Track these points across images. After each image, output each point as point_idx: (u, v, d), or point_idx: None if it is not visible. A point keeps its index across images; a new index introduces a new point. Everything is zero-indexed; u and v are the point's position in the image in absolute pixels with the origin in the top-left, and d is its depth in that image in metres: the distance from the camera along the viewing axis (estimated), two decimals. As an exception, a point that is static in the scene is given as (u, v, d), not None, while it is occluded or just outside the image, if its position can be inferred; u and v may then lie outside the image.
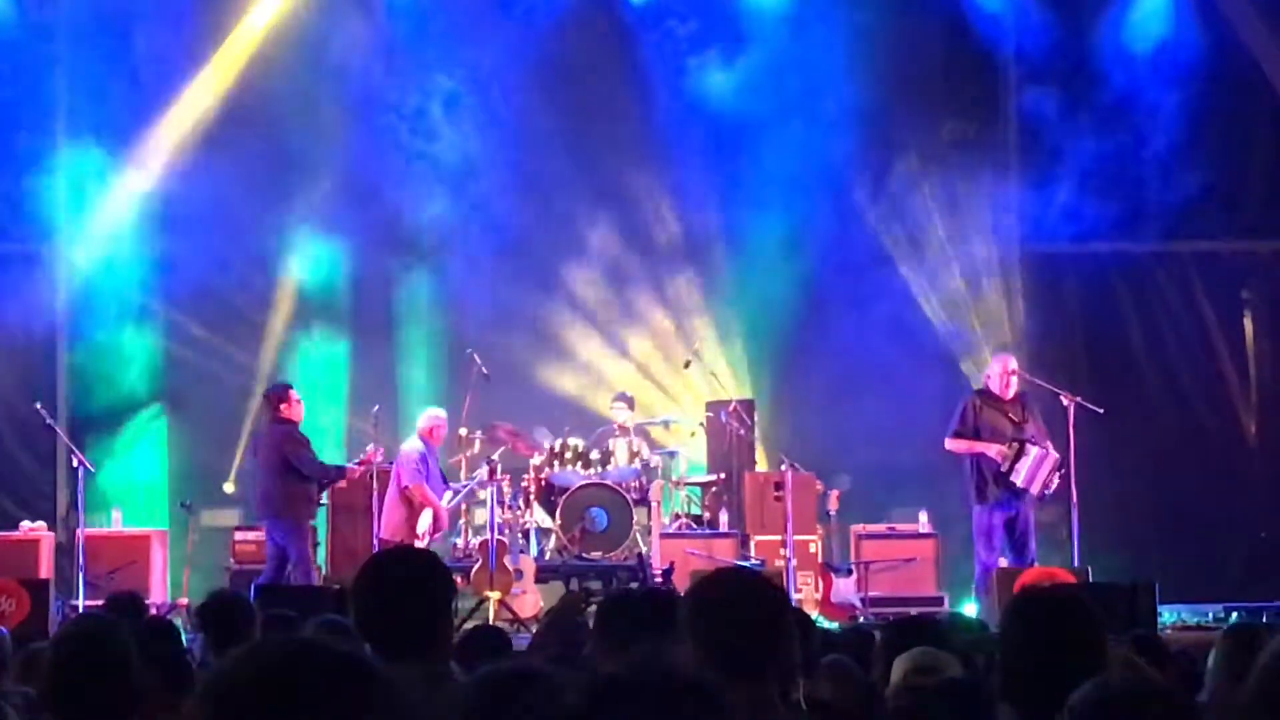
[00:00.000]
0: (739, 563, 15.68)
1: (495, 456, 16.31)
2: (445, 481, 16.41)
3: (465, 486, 16.52)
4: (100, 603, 12.41)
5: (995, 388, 15.30)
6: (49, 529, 16.89)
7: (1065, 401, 15.47)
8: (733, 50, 18.74)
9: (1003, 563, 15.19)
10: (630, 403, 17.60)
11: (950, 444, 15.32)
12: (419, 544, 15.55)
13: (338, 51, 18.23)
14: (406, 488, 15.93)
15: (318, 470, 15.38)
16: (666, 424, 17.76)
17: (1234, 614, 15.86)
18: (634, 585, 15.36)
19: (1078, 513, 15.45)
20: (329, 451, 16.63)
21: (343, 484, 15.90)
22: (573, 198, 18.59)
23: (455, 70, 18.50)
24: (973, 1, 18.71)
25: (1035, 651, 5.12)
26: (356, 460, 15.81)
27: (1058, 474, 15.12)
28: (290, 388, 15.63)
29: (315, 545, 15.74)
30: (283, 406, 15.41)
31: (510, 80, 18.47)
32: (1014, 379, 15.32)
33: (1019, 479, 14.94)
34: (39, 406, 16.67)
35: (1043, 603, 5.38)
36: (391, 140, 18.53)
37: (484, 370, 17.03)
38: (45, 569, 16.25)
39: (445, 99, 18.53)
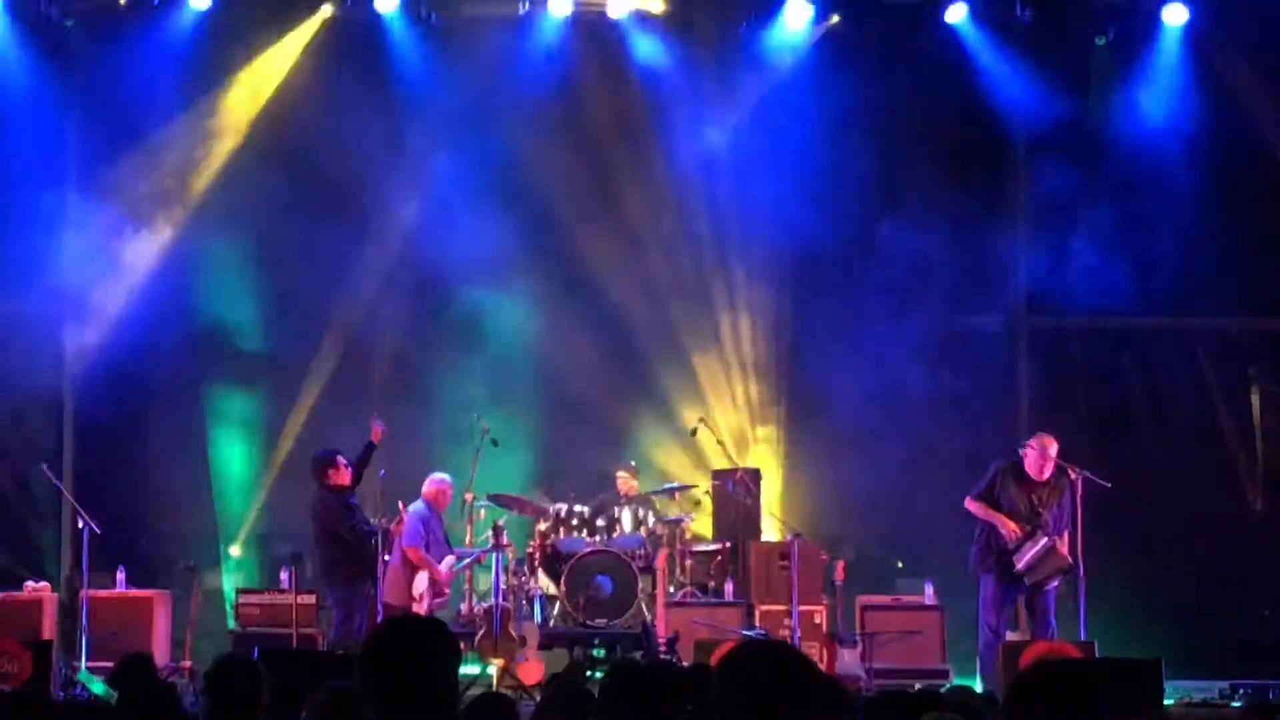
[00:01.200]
0: (759, 633, 15.67)
1: (501, 522, 16.28)
2: (449, 547, 16.40)
3: (471, 554, 16.50)
4: (109, 664, 12.40)
5: (1030, 467, 15.11)
6: (52, 590, 16.87)
7: (1072, 475, 15.38)
8: (742, 116, 18.83)
9: (1013, 637, 15.13)
10: (635, 471, 17.61)
11: (970, 504, 15.22)
12: (415, 607, 15.59)
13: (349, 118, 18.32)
14: (405, 548, 15.96)
15: (358, 538, 15.60)
16: (672, 492, 17.71)
17: (1240, 690, 15.78)
18: (638, 654, 15.29)
19: (1084, 586, 15.39)
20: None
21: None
22: (585, 252, 18.65)
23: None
24: (986, 74, 18.76)
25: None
26: (395, 521, 15.83)
27: (1062, 577, 15.01)
28: (337, 454, 15.80)
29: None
30: (330, 473, 15.73)
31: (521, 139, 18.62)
32: (1050, 464, 15.12)
33: (1020, 562, 14.88)
34: (45, 467, 16.72)
35: (1046, 683, 5.31)
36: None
37: (491, 436, 17.01)
38: (48, 629, 16.23)
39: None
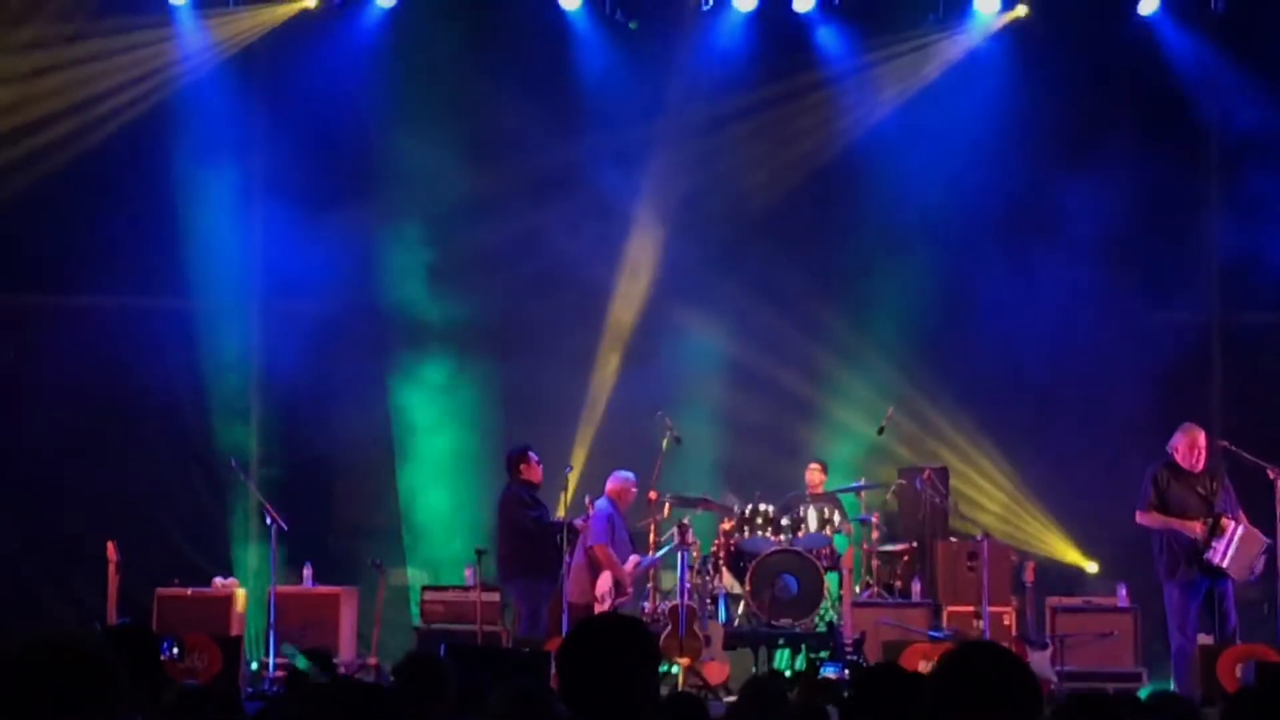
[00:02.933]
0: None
1: (687, 520, 16.19)
2: (633, 546, 16.34)
3: (656, 556, 16.43)
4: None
5: (1183, 461, 14.82)
6: (240, 585, 17.02)
7: (1271, 475, 15.04)
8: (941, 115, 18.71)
9: (1202, 639, 14.79)
10: (824, 467, 17.46)
11: (1142, 518, 14.90)
12: (598, 606, 15.55)
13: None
14: (590, 547, 15.93)
15: (542, 530, 15.68)
16: (859, 490, 17.51)
17: None
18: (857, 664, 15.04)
19: (1280, 590, 15.05)
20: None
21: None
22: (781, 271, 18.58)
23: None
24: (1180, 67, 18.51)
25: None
26: (581, 517, 15.86)
27: (1263, 556, 14.65)
28: (529, 449, 16.04)
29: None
30: (522, 467, 15.98)
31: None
32: (1201, 453, 14.82)
33: (1218, 558, 14.51)
34: (234, 463, 16.89)
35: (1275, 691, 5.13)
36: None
37: (676, 434, 16.94)
38: (237, 625, 16.38)
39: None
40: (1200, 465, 14.78)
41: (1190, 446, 14.76)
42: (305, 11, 18.56)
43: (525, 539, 15.73)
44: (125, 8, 18.16)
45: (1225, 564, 14.48)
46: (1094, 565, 18.11)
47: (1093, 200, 17.99)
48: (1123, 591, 16.65)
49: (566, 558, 15.68)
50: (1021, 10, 18.66)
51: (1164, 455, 14.93)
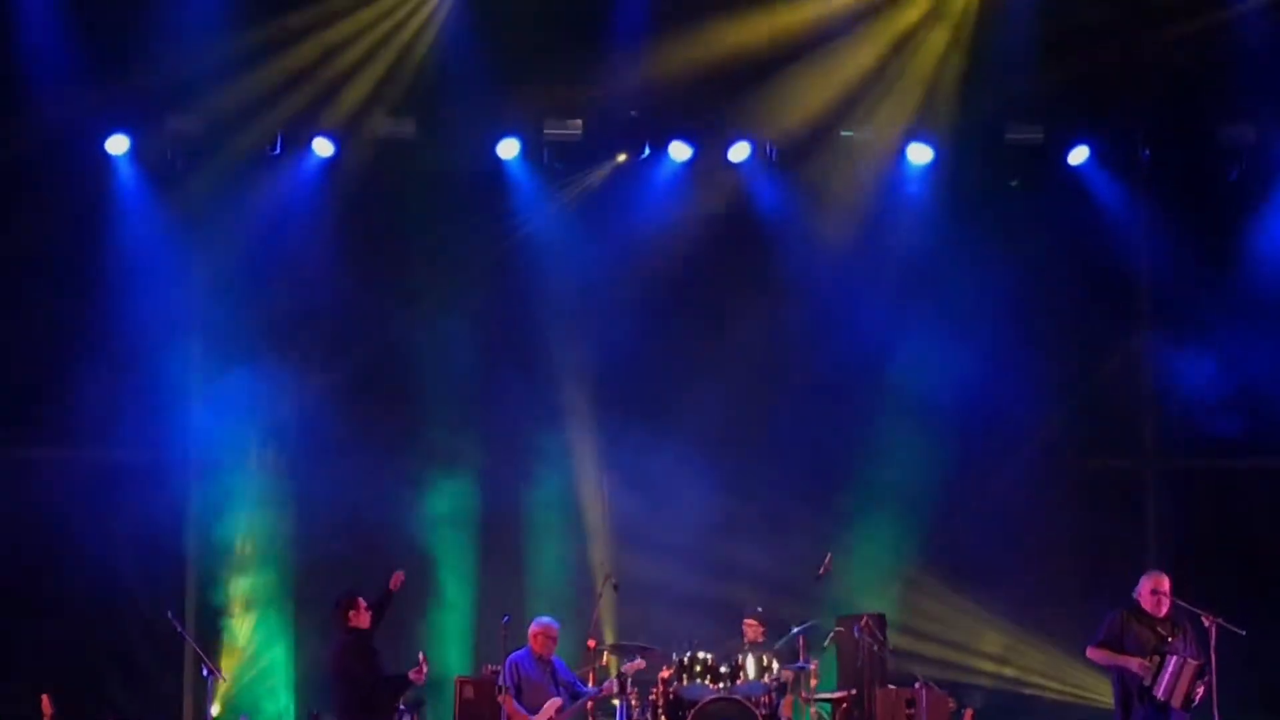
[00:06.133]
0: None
1: (625, 669, 16.14)
2: (556, 690, 16.24)
3: (586, 693, 16.38)
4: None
5: (1147, 605, 14.91)
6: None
7: (1206, 623, 15.11)
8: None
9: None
10: (762, 618, 17.46)
11: (1091, 653, 14.97)
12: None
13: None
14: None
15: (374, 681, 15.31)
16: (797, 637, 17.51)
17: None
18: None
19: (1219, 726, 15.08)
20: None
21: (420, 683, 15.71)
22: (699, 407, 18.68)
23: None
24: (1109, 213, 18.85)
25: None
26: (415, 669, 15.61)
27: (1201, 682, 14.70)
28: (358, 596, 15.51)
29: None
30: (350, 614, 15.41)
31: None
32: (1165, 600, 14.89)
33: (1159, 691, 14.57)
34: (170, 616, 16.80)
35: None
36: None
37: (613, 581, 16.94)
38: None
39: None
40: (1164, 610, 14.81)
41: (1152, 591, 14.83)
42: (245, 160, 18.65)
43: (359, 690, 15.27)
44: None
45: (1164, 696, 14.53)
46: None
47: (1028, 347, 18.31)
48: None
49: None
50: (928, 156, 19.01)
51: (1129, 600, 15.03)
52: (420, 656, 15.35)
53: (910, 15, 18.79)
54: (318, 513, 18.50)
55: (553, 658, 16.36)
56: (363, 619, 15.41)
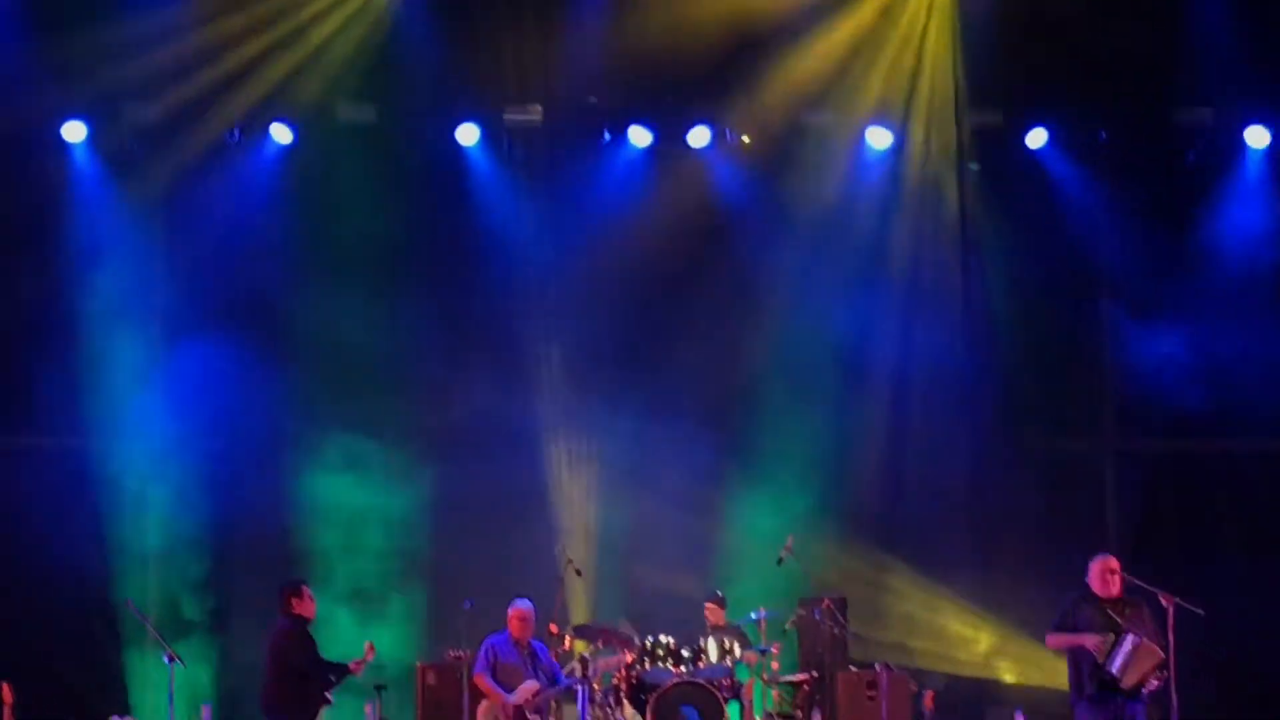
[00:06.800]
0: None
1: (587, 653, 16.16)
2: (532, 673, 16.23)
3: (560, 685, 16.38)
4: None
5: (1097, 588, 14.94)
6: (137, 723, 16.91)
7: (1164, 603, 15.14)
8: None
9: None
10: (722, 601, 17.48)
11: (1050, 640, 14.99)
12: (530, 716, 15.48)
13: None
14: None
15: (315, 670, 15.22)
16: (759, 621, 17.53)
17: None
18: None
19: (1178, 717, 15.12)
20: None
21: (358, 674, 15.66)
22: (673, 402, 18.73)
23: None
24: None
25: None
26: (356, 659, 15.44)
27: (1160, 672, 14.70)
28: (304, 584, 15.49)
29: None
30: (294, 601, 15.29)
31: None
32: (1115, 578, 14.94)
33: (1113, 667, 14.55)
34: (129, 602, 16.76)
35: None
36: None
37: (576, 566, 16.96)
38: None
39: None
40: (1115, 591, 14.81)
41: (1101, 574, 14.85)
42: (203, 148, 18.61)
43: (295, 678, 15.17)
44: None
45: (1117, 672, 14.50)
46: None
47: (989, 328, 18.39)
48: (1019, 718, 16.75)
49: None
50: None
51: (1082, 585, 15.06)
52: (366, 645, 15.32)
53: (872, 1, 18.87)
54: (275, 501, 18.45)
55: (534, 642, 16.34)
56: (306, 607, 15.29)
